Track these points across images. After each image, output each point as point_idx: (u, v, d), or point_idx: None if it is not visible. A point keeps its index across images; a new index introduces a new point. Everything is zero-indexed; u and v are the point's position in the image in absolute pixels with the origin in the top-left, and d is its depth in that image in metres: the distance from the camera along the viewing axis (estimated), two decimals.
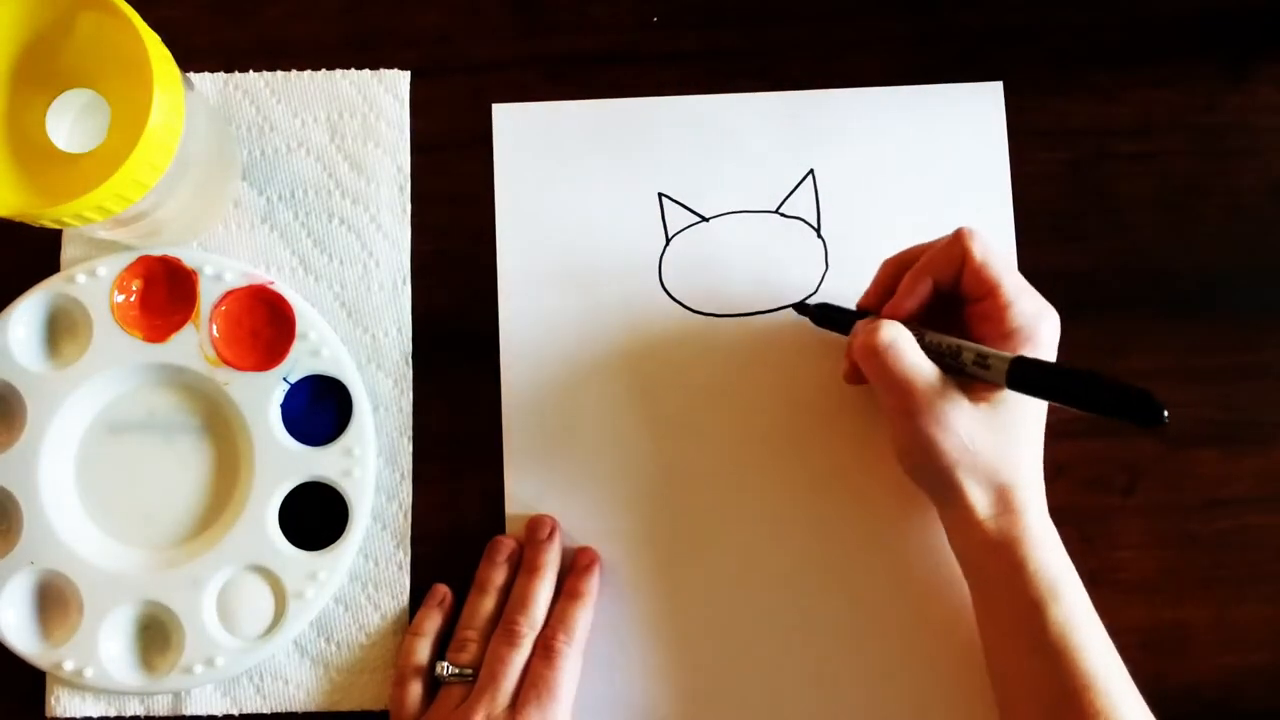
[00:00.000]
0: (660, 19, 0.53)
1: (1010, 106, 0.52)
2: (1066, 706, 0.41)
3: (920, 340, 0.44)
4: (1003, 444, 0.43)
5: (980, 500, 0.43)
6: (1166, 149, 0.52)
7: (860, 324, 0.45)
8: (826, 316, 0.49)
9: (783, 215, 0.52)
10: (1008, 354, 0.41)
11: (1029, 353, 0.42)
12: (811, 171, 0.52)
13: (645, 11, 0.53)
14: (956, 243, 0.43)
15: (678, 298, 0.51)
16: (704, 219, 0.52)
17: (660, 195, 0.52)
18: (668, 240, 0.52)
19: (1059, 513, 0.50)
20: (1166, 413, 0.36)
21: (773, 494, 0.50)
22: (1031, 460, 0.44)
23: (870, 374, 0.44)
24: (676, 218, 0.52)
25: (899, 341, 0.43)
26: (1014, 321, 0.42)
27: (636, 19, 0.53)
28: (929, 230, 0.51)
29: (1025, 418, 0.44)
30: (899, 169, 0.52)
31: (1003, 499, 0.43)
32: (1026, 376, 0.40)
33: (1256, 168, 0.52)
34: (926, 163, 0.52)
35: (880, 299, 0.46)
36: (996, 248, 0.43)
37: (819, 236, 0.52)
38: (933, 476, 0.44)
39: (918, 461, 0.44)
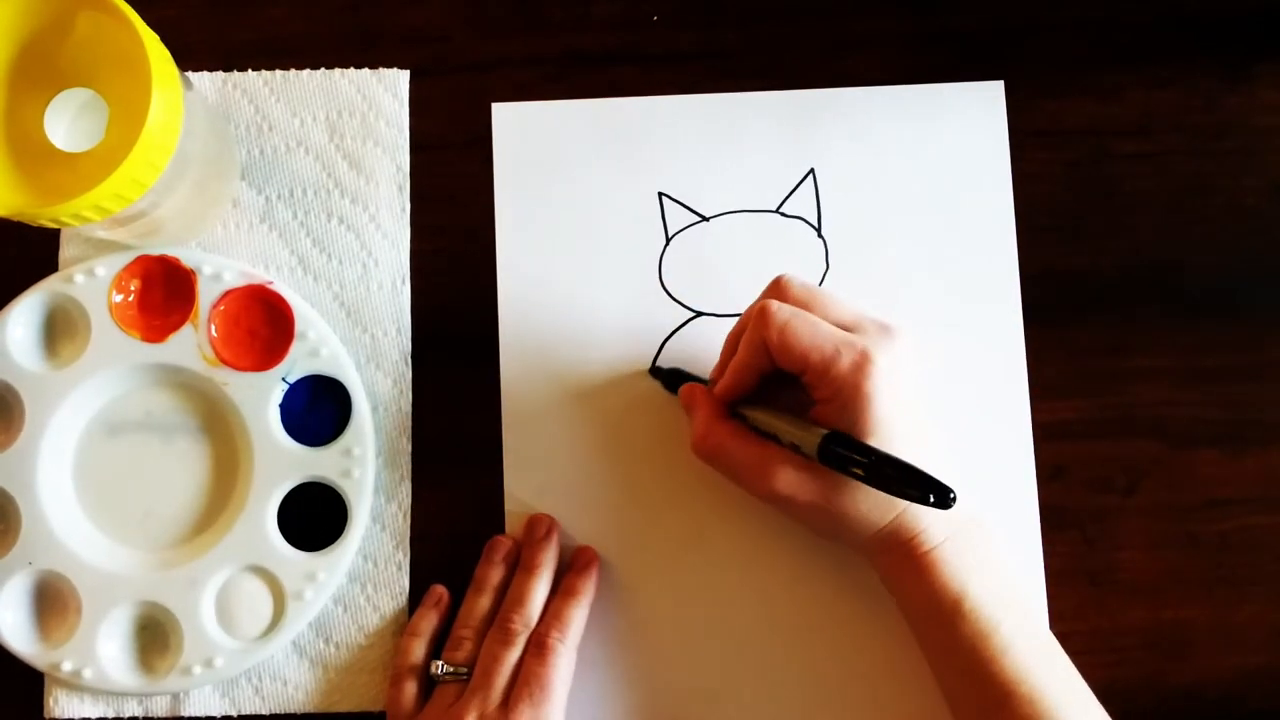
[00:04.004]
0: (660, 19, 0.53)
1: (1011, 106, 0.52)
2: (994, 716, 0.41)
3: (745, 421, 0.45)
4: (861, 495, 0.42)
5: (872, 542, 0.43)
6: (1167, 149, 0.52)
7: (694, 425, 0.45)
8: (677, 384, 0.49)
9: (783, 215, 0.52)
10: (816, 436, 0.41)
11: (854, 412, 0.41)
12: (812, 171, 0.52)
13: (645, 11, 0.53)
14: (757, 327, 0.43)
15: (678, 298, 0.51)
16: (704, 219, 0.52)
17: (660, 195, 0.52)
18: (668, 240, 0.52)
19: (1060, 513, 0.50)
20: (954, 494, 0.38)
21: None
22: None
23: (716, 470, 0.45)
24: (676, 217, 0.52)
25: (720, 443, 0.44)
26: (830, 388, 0.41)
27: (636, 19, 0.53)
28: (929, 230, 0.51)
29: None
30: (900, 169, 0.52)
31: (892, 535, 0.43)
32: (834, 459, 0.40)
33: (1257, 168, 0.52)
34: (927, 162, 0.52)
35: (723, 374, 0.46)
36: (798, 316, 0.42)
37: (819, 236, 0.52)
38: (825, 535, 0.46)
39: (806, 526, 0.45)
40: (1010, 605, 0.43)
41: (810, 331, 0.42)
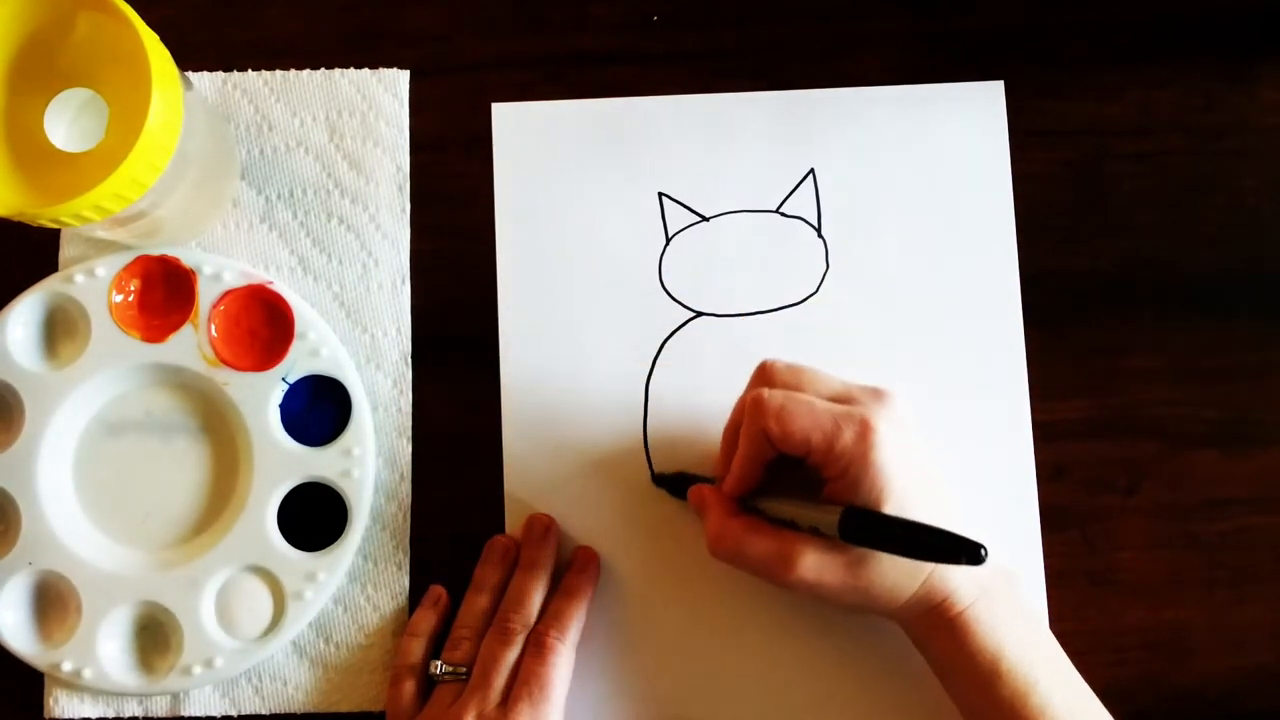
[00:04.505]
0: (660, 19, 0.53)
1: (1011, 106, 0.52)
2: None
3: (759, 513, 0.44)
4: (887, 565, 0.41)
5: (903, 610, 0.43)
6: (1167, 149, 0.52)
7: (707, 527, 0.44)
8: (684, 488, 0.48)
9: (783, 215, 0.52)
10: (834, 515, 0.40)
11: (868, 484, 0.40)
12: (812, 171, 0.52)
13: (645, 11, 0.53)
14: (754, 418, 0.42)
15: (678, 298, 0.51)
16: (704, 219, 0.52)
17: (660, 195, 0.52)
18: (668, 240, 0.52)
19: (1060, 513, 0.50)
20: (985, 552, 0.37)
21: None
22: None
23: (737, 568, 0.44)
24: (676, 217, 0.52)
25: (736, 541, 0.43)
26: (838, 464, 0.41)
27: (636, 19, 0.53)
28: (929, 230, 0.51)
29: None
30: (900, 169, 0.52)
31: (922, 600, 0.42)
32: (857, 533, 0.40)
33: (1257, 168, 0.52)
34: (927, 162, 0.52)
35: (728, 469, 0.45)
36: (790, 399, 0.42)
37: (819, 236, 0.52)
38: (856, 612, 0.45)
39: (836, 607, 0.44)
40: (1045, 659, 0.42)
41: (807, 412, 0.41)
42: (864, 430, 0.40)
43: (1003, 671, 0.41)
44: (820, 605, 0.49)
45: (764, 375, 0.45)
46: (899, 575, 0.41)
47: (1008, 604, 0.43)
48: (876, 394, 0.42)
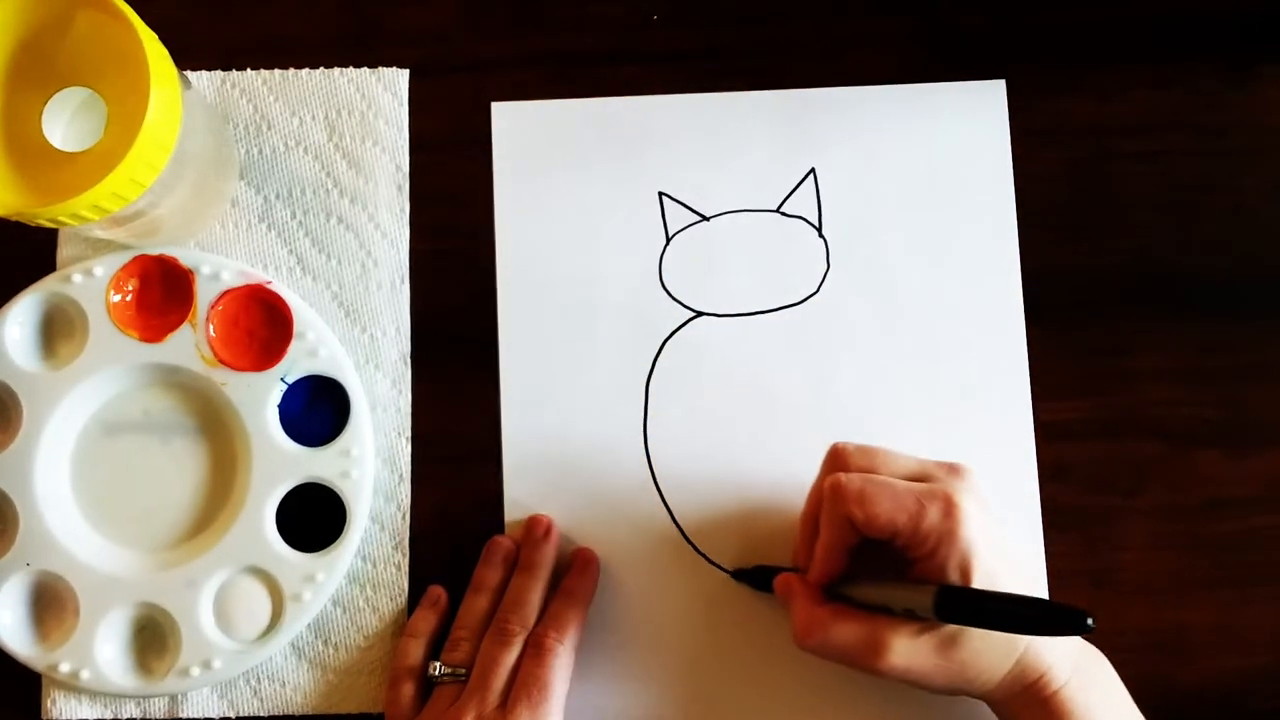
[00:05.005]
0: (660, 18, 0.53)
1: (1012, 105, 0.52)
2: None
3: (847, 600, 0.43)
4: (979, 644, 0.41)
5: (998, 689, 0.42)
6: (1169, 148, 0.52)
7: (794, 617, 0.44)
8: (766, 582, 0.47)
9: (784, 214, 0.51)
10: (928, 595, 0.39)
11: (959, 560, 0.40)
12: (812, 170, 0.52)
13: (645, 11, 0.53)
14: (835, 504, 0.42)
15: (678, 297, 0.51)
16: (704, 218, 0.52)
17: (660, 194, 0.52)
18: (668, 240, 0.51)
19: (1062, 513, 0.50)
20: (1091, 620, 0.36)
21: (773, 493, 0.50)
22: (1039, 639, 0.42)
23: (827, 659, 0.43)
24: (676, 217, 0.52)
25: (824, 629, 0.42)
26: (926, 544, 0.41)
27: (636, 18, 0.53)
28: (930, 230, 0.51)
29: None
30: (901, 168, 0.52)
31: (1018, 679, 0.42)
32: (954, 612, 0.39)
33: (1258, 168, 0.52)
34: (928, 162, 0.52)
35: (809, 558, 0.45)
36: (869, 482, 0.41)
37: (820, 236, 0.51)
38: (948, 693, 0.43)
39: (928, 690, 0.43)
40: None
41: (890, 494, 0.41)
42: (949, 507, 0.40)
43: None
44: None
45: (836, 459, 0.44)
46: (993, 654, 0.41)
47: (1102, 683, 0.43)
48: (954, 469, 0.42)
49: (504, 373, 0.51)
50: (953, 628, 0.40)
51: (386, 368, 0.51)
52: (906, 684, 0.42)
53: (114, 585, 0.48)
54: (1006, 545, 0.42)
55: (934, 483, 0.42)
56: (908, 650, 0.41)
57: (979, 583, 0.40)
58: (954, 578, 0.40)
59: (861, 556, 0.43)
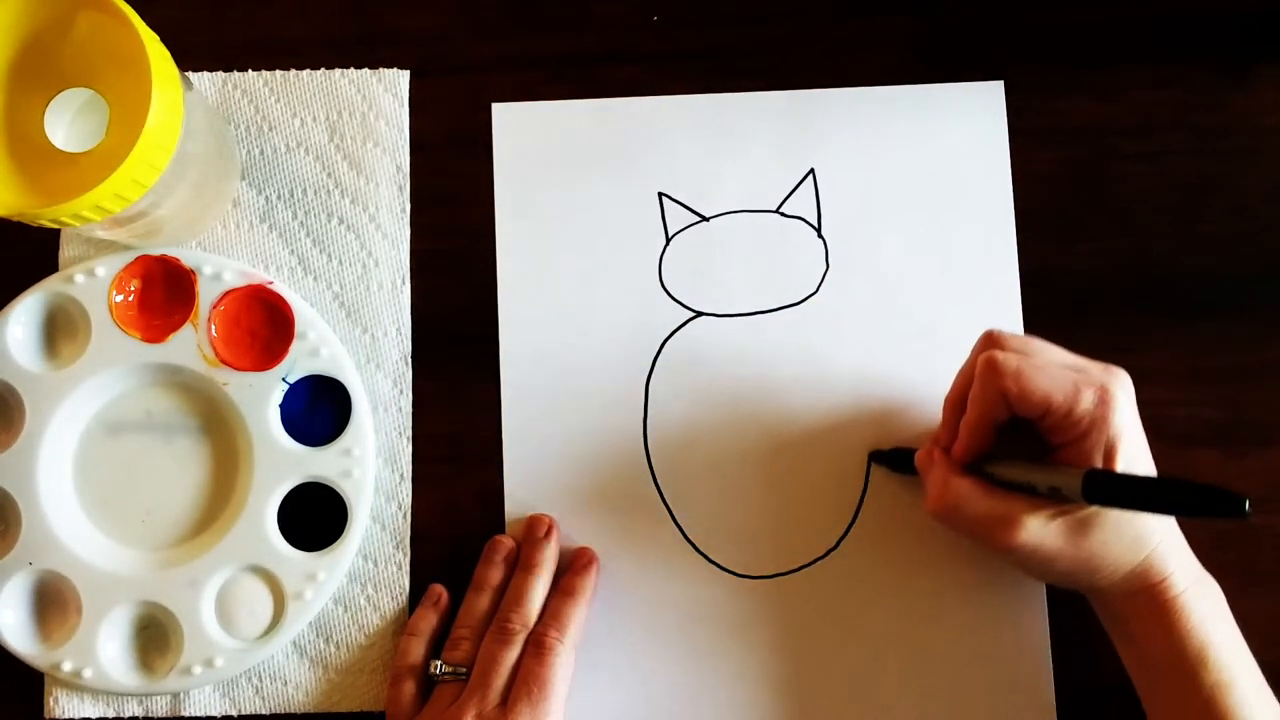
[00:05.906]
0: (660, 18, 0.53)
1: (1011, 106, 0.52)
2: None
3: (990, 478, 0.43)
4: (1112, 535, 0.42)
5: (1118, 585, 0.43)
6: (1168, 149, 0.52)
7: (930, 485, 0.44)
8: (903, 462, 0.48)
9: (783, 215, 0.52)
10: (1076, 477, 0.40)
11: (1105, 446, 0.41)
12: (812, 171, 0.52)
13: (645, 11, 0.53)
14: (989, 379, 0.42)
15: (677, 298, 0.51)
16: (704, 219, 0.52)
17: (660, 195, 0.52)
18: (668, 240, 0.52)
19: None
20: (1249, 504, 0.35)
21: (773, 493, 0.50)
22: (1160, 527, 0.43)
23: (955, 529, 0.45)
24: (676, 217, 0.52)
25: (958, 498, 0.43)
26: (1080, 427, 0.41)
27: (636, 19, 0.53)
28: (929, 230, 0.51)
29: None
30: (900, 168, 0.52)
31: (1140, 577, 0.42)
32: (1103, 494, 0.39)
33: (1258, 168, 0.51)
34: (927, 162, 0.52)
35: (951, 438, 0.45)
36: (1026, 361, 0.42)
37: (819, 236, 0.51)
38: (1065, 583, 0.44)
39: (1045, 578, 0.44)
40: (1245, 660, 0.43)
41: (1046, 374, 0.41)
42: (1104, 395, 0.41)
43: (1208, 662, 0.42)
44: (818, 602, 0.49)
45: (992, 340, 0.44)
46: (1123, 547, 0.42)
47: (1216, 599, 0.43)
48: (1107, 367, 0.43)
49: (504, 373, 0.51)
50: (1088, 514, 0.41)
51: (387, 367, 0.51)
52: (1026, 569, 0.43)
53: (116, 584, 0.48)
54: (1145, 445, 0.42)
55: (1089, 373, 0.42)
56: (1039, 530, 0.41)
57: (1123, 469, 0.41)
58: (1097, 463, 0.41)
59: (1003, 439, 0.44)
